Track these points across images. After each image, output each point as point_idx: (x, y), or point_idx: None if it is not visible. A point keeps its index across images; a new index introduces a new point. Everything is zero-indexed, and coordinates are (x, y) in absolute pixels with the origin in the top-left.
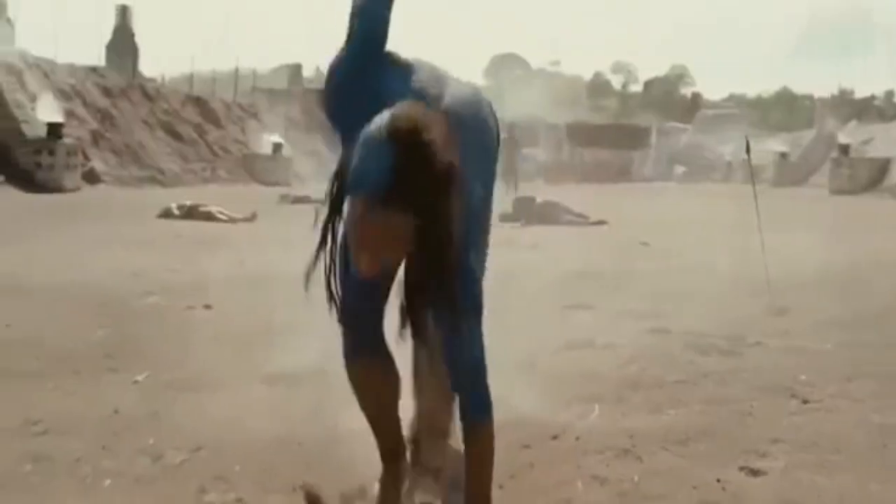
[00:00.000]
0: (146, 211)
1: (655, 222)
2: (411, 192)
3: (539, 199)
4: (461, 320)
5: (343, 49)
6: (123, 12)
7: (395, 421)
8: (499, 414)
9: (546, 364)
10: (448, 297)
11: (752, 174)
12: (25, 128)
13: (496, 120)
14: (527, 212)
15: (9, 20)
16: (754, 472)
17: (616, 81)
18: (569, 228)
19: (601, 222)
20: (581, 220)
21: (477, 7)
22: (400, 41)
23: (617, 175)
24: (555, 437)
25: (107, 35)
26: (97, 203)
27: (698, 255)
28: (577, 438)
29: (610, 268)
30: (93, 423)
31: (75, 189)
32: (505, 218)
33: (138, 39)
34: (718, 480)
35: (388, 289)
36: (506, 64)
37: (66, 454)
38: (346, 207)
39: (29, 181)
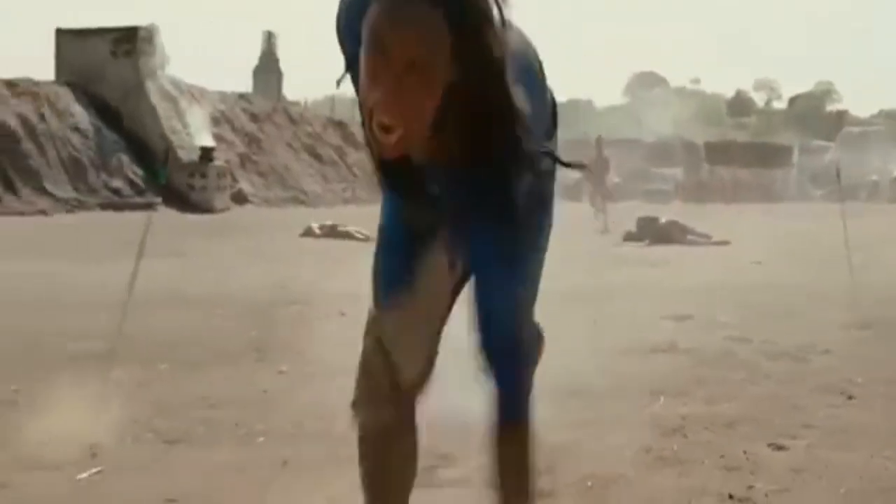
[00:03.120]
0: (290, 230)
1: (779, 242)
2: None
3: (662, 220)
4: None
5: None
6: (269, 38)
7: None
8: (576, 402)
9: (629, 363)
10: (500, 147)
11: (841, 195)
12: (181, 153)
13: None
14: (650, 232)
15: (163, 47)
16: (779, 448)
17: (759, 98)
18: (690, 248)
19: (724, 242)
20: (704, 239)
21: (616, 24)
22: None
23: (757, 195)
24: (618, 418)
25: (253, 60)
26: (245, 222)
27: (806, 273)
28: (637, 420)
29: (717, 284)
30: (247, 399)
31: (225, 209)
32: (629, 237)
33: (283, 65)
34: (745, 452)
35: None
36: (644, 82)
37: (228, 420)
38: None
39: (183, 202)
